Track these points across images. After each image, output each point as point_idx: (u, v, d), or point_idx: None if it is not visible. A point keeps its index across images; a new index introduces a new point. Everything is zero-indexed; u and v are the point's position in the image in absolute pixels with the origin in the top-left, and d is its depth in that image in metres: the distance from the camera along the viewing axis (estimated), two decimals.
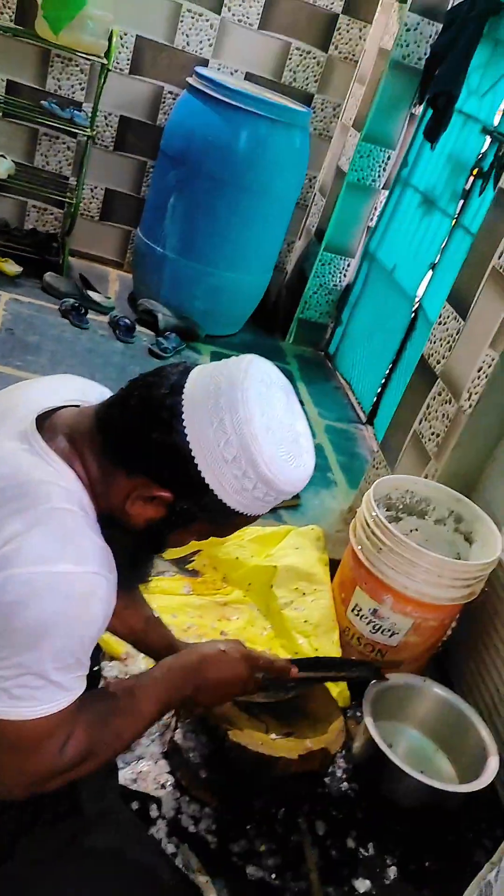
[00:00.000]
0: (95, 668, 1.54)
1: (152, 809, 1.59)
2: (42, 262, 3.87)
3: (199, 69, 3.55)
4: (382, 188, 3.84)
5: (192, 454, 0.91)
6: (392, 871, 1.67)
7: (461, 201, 3.07)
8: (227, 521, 0.98)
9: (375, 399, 3.60)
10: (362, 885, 1.62)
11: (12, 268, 3.73)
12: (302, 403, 3.65)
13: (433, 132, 3.27)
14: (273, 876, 1.57)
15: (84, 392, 1.09)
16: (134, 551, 1.01)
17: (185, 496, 0.94)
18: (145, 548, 1.03)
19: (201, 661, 1.24)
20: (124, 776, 1.64)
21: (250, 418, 0.90)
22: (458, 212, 3.09)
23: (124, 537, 0.97)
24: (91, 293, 3.75)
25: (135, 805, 1.58)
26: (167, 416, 0.91)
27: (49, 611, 0.87)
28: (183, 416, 0.91)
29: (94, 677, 1.52)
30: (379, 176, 3.80)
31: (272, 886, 1.56)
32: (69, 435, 0.97)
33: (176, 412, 0.91)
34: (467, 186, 3.03)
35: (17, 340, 3.21)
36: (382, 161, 3.76)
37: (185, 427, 0.91)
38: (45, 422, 0.98)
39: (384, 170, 3.79)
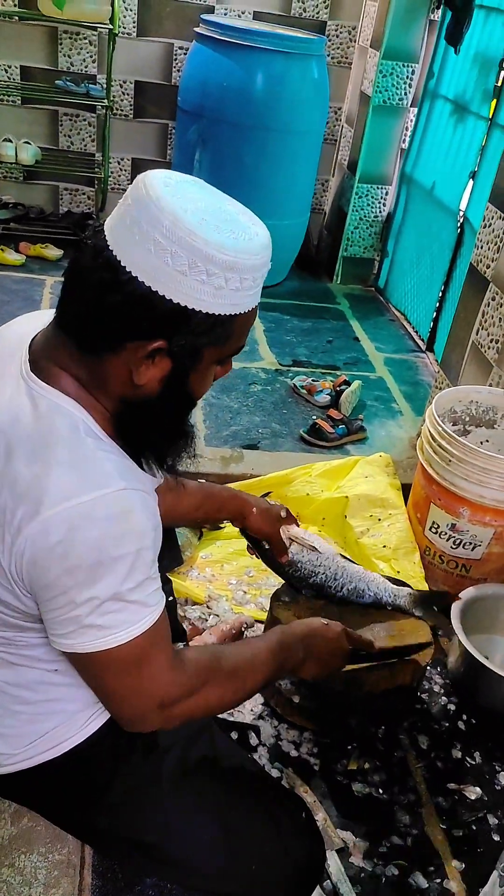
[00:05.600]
0: (170, 599, 1.58)
1: (251, 738, 1.62)
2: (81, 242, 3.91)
3: (206, 16, 3.48)
4: (411, 106, 3.69)
5: (153, 289, 0.87)
6: (502, 777, 1.65)
7: (494, 100, 2.92)
8: (228, 331, 0.94)
9: (432, 325, 3.50)
10: (472, 792, 1.61)
11: (53, 252, 3.78)
12: (357, 340, 3.58)
13: (455, 34, 3.11)
14: (380, 791, 1.58)
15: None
16: (169, 419, 1.00)
17: (175, 332, 0.90)
18: (177, 409, 1.01)
19: (310, 633, 1.25)
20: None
21: (177, 220, 0.85)
22: (491, 111, 2.94)
23: (152, 412, 0.97)
24: None
25: (234, 735, 1.61)
26: (108, 275, 0.88)
27: (95, 537, 0.87)
28: (122, 263, 0.87)
29: (170, 607, 1.56)
30: (405, 94, 3.66)
31: (380, 801, 1.56)
32: (46, 353, 0.96)
33: (112, 264, 0.87)
34: (498, 83, 2.88)
35: None
36: (407, 77, 3.61)
37: (129, 271, 0.87)
38: (30, 352, 0.98)
39: (410, 86, 3.64)
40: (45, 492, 0.87)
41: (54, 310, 1.07)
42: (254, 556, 1.62)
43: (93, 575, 0.88)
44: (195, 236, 0.85)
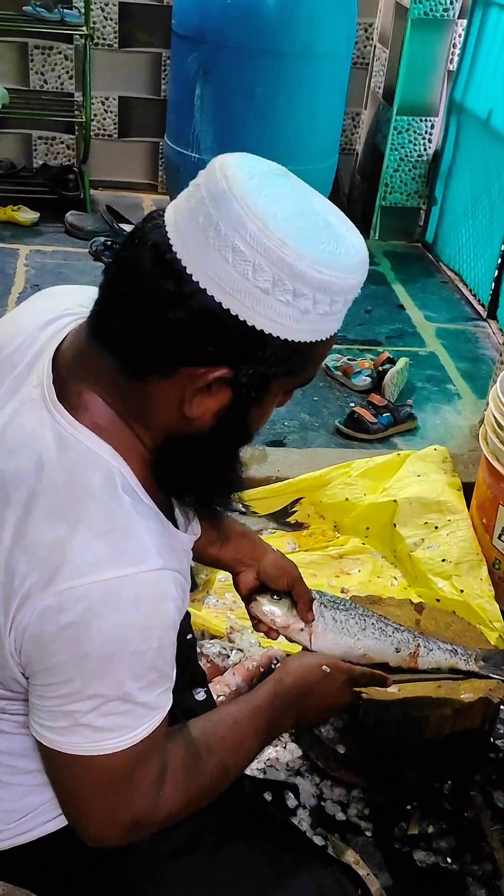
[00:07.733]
0: (189, 637, 1.58)
1: (289, 798, 1.63)
2: (61, 201, 3.95)
3: None
4: (458, 17, 3.69)
5: (226, 307, 0.85)
6: None
7: None
8: (305, 360, 0.92)
9: (494, 286, 3.49)
10: None
11: (27, 215, 3.81)
12: (402, 308, 3.58)
13: None
14: (449, 860, 1.58)
15: (82, 303, 1.04)
16: (219, 457, 0.99)
17: (245, 360, 0.89)
18: (230, 446, 0.99)
19: (308, 691, 1.24)
20: (251, 769, 1.68)
21: (266, 225, 0.83)
22: None
23: (201, 449, 0.96)
24: (123, 226, 3.79)
25: (268, 796, 1.62)
26: (172, 286, 0.85)
27: (116, 625, 0.87)
28: (189, 272, 0.84)
29: (189, 647, 1.57)
30: (451, 2, 3.65)
31: (449, 872, 1.56)
32: (78, 371, 0.94)
33: (175, 271, 0.85)
34: None
35: None
36: None
37: (198, 283, 0.84)
38: (57, 367, 0.96)
39: None
40: (66, 559, 0.86)
41: (79, 291, 1.08)
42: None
43: (104, 669, 0.88)
44: (286, 248, 0.83)
